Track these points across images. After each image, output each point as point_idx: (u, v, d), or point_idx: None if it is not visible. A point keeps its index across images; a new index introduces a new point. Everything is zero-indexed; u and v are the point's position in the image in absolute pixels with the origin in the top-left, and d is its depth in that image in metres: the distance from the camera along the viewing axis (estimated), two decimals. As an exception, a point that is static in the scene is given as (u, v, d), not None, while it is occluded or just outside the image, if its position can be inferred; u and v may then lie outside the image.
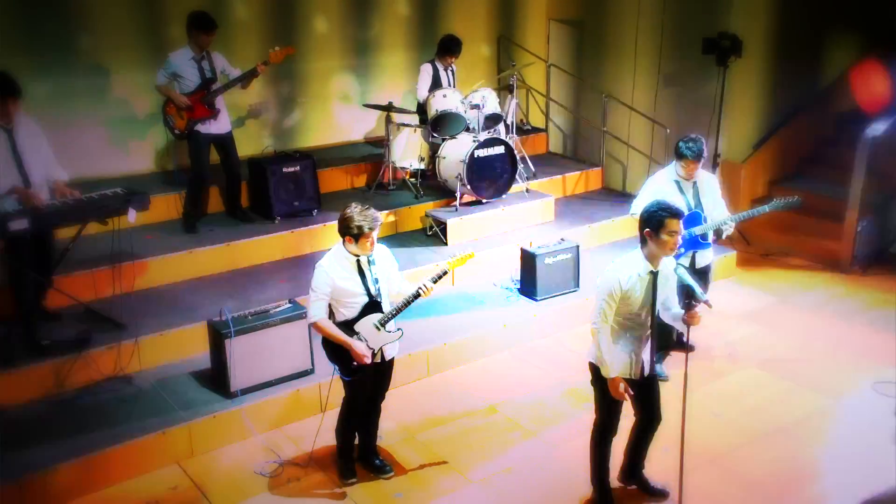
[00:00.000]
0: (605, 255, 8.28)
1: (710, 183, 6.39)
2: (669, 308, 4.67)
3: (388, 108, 8.34)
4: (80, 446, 5.19)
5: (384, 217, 7.87)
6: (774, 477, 5.32)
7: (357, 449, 5.38)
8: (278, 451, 5.54)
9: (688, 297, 4.48)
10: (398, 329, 5.07)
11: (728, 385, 6.44)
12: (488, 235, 8.17)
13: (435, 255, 7.62)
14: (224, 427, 5.61)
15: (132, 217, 6.09)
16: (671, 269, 4.63)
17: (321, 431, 5.44)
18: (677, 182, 6.23)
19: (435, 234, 8.04)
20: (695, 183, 6.27)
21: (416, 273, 7.25)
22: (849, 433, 5.81)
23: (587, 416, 5.83)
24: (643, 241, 4.55)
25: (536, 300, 7.24)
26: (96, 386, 5.86)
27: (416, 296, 4.92)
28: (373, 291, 4.94)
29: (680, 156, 6.12)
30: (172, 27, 8.09)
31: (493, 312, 7.10)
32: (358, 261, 4.89)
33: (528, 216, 8.45)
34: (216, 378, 5.84)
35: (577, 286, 7.46)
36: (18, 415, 5.54)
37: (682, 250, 6.21)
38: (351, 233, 4.77)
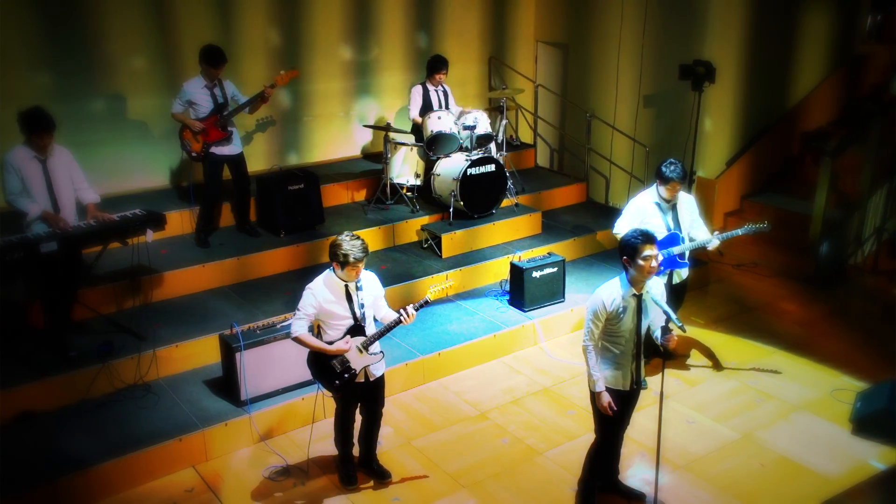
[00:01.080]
0: (588, 266, 8.47)
1: (688, 203, 6.50)
2: (654, 330, 4.80)
3: (387, 129, 8.44)
4: (105, 451, 5.33)
5: (369, 259, 7.97)
6: (743, 481, 5.47)
7: (358, 457, 5.50)
8: (285, 456, 5.67)
9: (665, 323, 4.61)
10: (380, 351, 5.16)
11: (701, 393, 6.58)
12: (480, 248, 8.28)
13: (430, 268, 7.74)
14: (235, 433, 5.74)
15: (150, 237, 6.23)
16: (657, 292, 4.76)
17: (313, 441, 5.63)
18: (658, 204, 6.33)
19: (430, 246, 8.16)
20: (674, 205, 6.38)
21: (411, 285, 7.41)
22: (809, 439, 5.96)
23: (569, 423, 6.04)
24: (624, 268, 4.69)
25: (525, 311, 7.37)
26: (118, 393, 5.99)
27: (398, 322, 4.98)
28: (358, 315, 5.03)
29: (665, 179, 6.18)
30: (185, 53, 8.16)
31: (484, 322, 7.23)
32: (346, 286, 4.98)
33: (517, 230, 8.57)
34: (227, 387, 5.97)
35: (563, 297, 7.60)
36: (51, 420, 5.68)
37: (662, 268, 6.33)
38: (338, 259, 4.86)
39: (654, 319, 4.81)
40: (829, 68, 10.41)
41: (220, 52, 7.20)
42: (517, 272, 7.37)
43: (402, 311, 4.98)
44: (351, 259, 4.82)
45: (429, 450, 5.78)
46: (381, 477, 5.46)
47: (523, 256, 7.68)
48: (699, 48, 8.85)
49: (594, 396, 4.84)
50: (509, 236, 8.51)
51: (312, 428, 5.69)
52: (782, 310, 8.08)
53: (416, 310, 5.00)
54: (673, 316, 4.51)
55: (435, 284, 5.15)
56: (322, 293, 4.96)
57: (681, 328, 4.52)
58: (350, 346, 5.00)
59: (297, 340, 5.00)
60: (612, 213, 9.42)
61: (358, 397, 5.23)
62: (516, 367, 6.95)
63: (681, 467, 5.60)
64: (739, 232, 6.49)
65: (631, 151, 9.62)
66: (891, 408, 5.90)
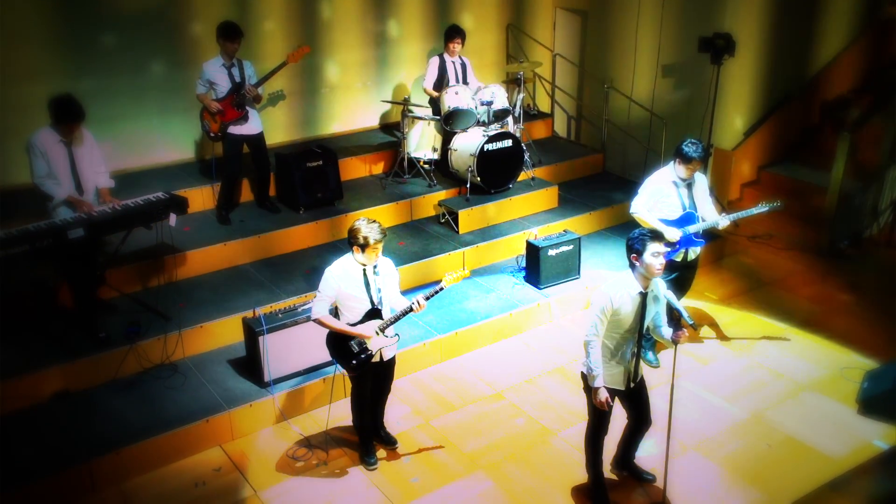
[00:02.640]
0: (604, 241, 8.57)
1: (702, 183, 6.53)
2: (659, 326, 4.92)
3: (405, 104, 8.49)
4: (137, 432, 5.58)
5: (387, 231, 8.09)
6: (751, 462, 5.64)
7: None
8: (307, 435, 5.90)
9: (676, 319, 4.71)
10: (396, 334, 5.36)
11: (713, 372, 6.71)
12: (496, 224, 8.38)
13: (447, 245, 7.87)
14: (259, 414, 5.97)
15: (173, 221, 6.39)
16: (661, 291, 4.87)
17: (333, 420, 5.91)
18: (675, 183, 6.36)
19: (447, 222, 8.27)
20: (690, 184, 6.43)
21: (429, 263, 7.55)
22: (816, 419, 6.10)
23: (582, 402, 6.14)
24: (632, 265, 4.78)
25: (540, 288, 7.50)
26: (146, 373, 6.21)
27: (409, 310, 5.17)
28: (375, 299, 5.23)
29: (688, 158, 6.17)
30: (204, 26, 8.22)
31: (500, 300, 7.37)
32: (364, 270, 5.16)
33: (533, 204, 8.65)
34: (251, 368, 6.18)
35: (579, 274, 7.71)
36: (84, 399, 5.92)
37: (678, 246, 6.40)
38: (358, 243, 5.05)
39: (657, 316, 4.92)
40: (853, 34, 10.28)
41: (236, 27, 7.26)
42: (533, 250, 7.48)
43: (414, 300, 5.16)
44: (371, 241, 5.01)
45: (446, 430, 5.99)
46: (387, 443, 5.78)
47: (539, 234, 7.77)
48: (719, 20, 8.77)
49: (587, 387, 4.98)
50: (526, 211, 8.60)
51: (329, 408, 5.94)
52: (796, 285, 8.15)
53: (428, 298, 5.18)
54: (685, 314, 4.63)
55: (450, 273, 5.26)
56: (341, 277, 5.15)
57: (692, 326, 4.64)
58: (370, 332, 5.19)
59: (319, 322, 5.21)
60: (627, 186, 9.48)
61: (372, 376, 5.45)
62: (532, 345, 7.11)
63: (690, 448, 5.77)
64: (752, 212, 6.53)
65: (648, 123, 9.60)
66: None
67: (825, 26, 9.94)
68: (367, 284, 5.20)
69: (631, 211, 6.44)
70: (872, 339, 7.06)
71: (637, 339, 4.82)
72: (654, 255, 4.65)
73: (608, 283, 4.88)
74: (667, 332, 4.84)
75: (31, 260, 5.78)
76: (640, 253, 4.68)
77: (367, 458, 5.64)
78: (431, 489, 5.40)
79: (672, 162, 6.35)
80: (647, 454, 5.56)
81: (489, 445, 5.82)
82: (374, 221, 5.10)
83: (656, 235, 4.71)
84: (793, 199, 9.46)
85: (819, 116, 10.25)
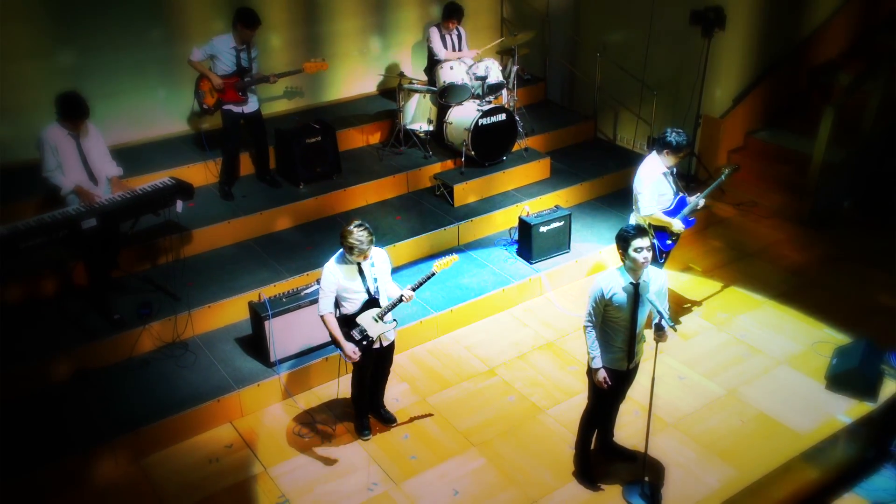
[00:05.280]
0: (593, 212, 8.82)
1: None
2: (655, 317, 5.21)
3: (400, 77, 8.61)
4: (152, 411, 5.95)
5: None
6: (724, 438, 6.05)
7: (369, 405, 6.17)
8: (311, 412, 6.28)
9: (658, 323, 5.01)
10: (393, 320, 5.70)
11: (693, 347, 7.07)
12: (490, 196, 8.63)
13: (443, 220, 8.13)
14: (267, 392, 6.34)
15: (180, 208, 6.61)
16: (660, 282, 5.17)
17: (336, 395, 6.36)
18: (664, 174, 6.58)
19: (442, 194, 8.50)
20: (672, 170, 6.66)
21: (423, 238, 7.85)
22: (787, 394, 6.49)
23: (570, 379, 6.59)
24: (621, 258, 5.09)
25: (532, 263, 7.80)
26: (159, 352, 6.55)
27: (400, 300, 5.53)
28: (371, 290, 5.55)
29: (678, 148, 6.38)
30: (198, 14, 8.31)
31: (493, 275, 7.67)
32: (359, 264, 5.47)
33: (526, 176, 8.88)
34: (257, 348, 6.51)
35: (569, 248, 8.01)
36: (103, 378, 6.27)
37: (684, 226, 6.69)
38: (346, 248, 5.36)
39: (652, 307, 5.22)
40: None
41: (255, 15, 7.36)
42: (525, 227, 7.75)
43: (404, 292, 5.53)
44: (355, 252, 5.32)
45: (442, 407, 6.37)
46: (386, 421, 6.18)
47: (531, 211, 8.01)
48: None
49: (589, 370, 5.35)
50: (519, 182, 8.84)
51: (339, 382, 6.32)
52: (777, 255, 8.44)
53: (416, 288, 5.54)
54: (665, 316, 4.93)
55: (440, 260, 5.52)
56: (338, 272, 5.47)
57: (672, 327, 4.95)
58: (357, 355, 5.56)
59: (322, 319, 5.56)
60: (619, 153, 9.75)
61: (372, 359, 5.80)
62: (523, 320, 7.45)
63: (669, 425, 6.17)
64: (716, 183, 6.80)
65: (640, 92, 9.73)
66: (861, 368, 6.41)
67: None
68: (364, 277, 5.50)
69: (643, 214, 6.58)
70: (845, 313, 7.42)
71: (632, 326, 5.14)
72: (637, 250, 4.95)
73: (602, 274, 5.23)
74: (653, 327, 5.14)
75: (47, 247, 6.03)
76: (625, 250, 4.99)
77: (362, 432, 6.06)
78: (428, 466, 5.80)
79: (655, 152, 6.54)
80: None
81: (482, 423, 6.21)
82: (364, 229, 5.34)
83: (639, 231, 4.99)
84: (778, 166, 9.74)
85: (806, 82, 10.37)
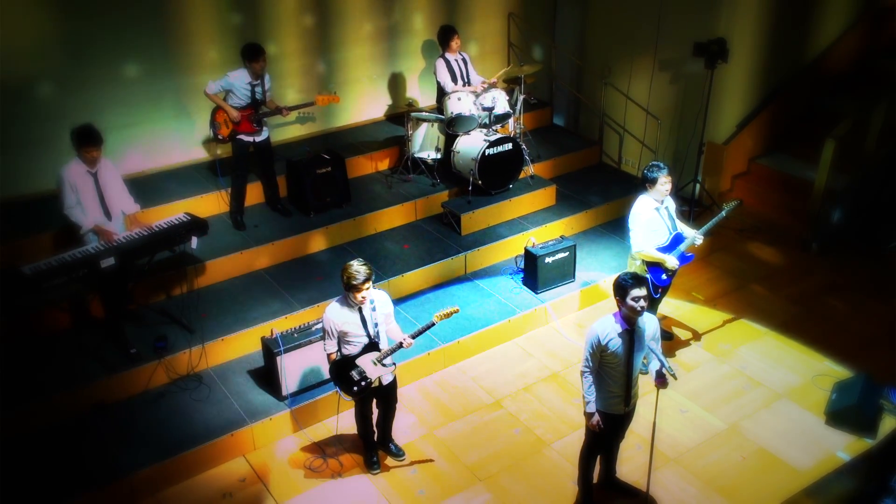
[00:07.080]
0: (598, 238, 8.94)
1: (671, 202, 6.86)
2: (648, 362, 5.35)
3: (409, 108, 8.77)
4: (169, 446, 6.09)
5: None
6: (725, 474, 6.16)
7: (376, 439, 6.29)
8: (323, 446, 6.43)
9: (659, 370, 5.13)
10: (392, 363, 5.84)
11: (695, 379, 7.18)
12: (496, 224, 8.75)
13: (450, 248, 8.26)
14: (278, 425, 6.49)
15: (195, 244, 6.76)
16: (650, 332, 5.29)
17: (345, 429, 6.49)
18: (657, 209, 6.71)
19: (450, 223, 8.62)
20: (666, 206, 6.77)
21: (431, 268, 7.98)
22: (787, 429, 6.60)
23: (574, 412, 6.71)
24: (617, 305, 5.20)
25: (537, 293, 7.92)
26: (174, 384, 6.70)
27: (399, 346, 5.68)
28: (372, 334, 5.68)
29: (652, 180, 6.52)
30: (211, 31, 8.49)
31: (499, 305, 7.80)
32: (360, 308, 5.58)
33: (532, 203, 9.00)
34: (269, 382, 6.66)
35: (574, 278, 8.13)
36: (120, 412, 6.43)
37: (679, 264, 6.77)
38: (344, 283, 5.48)
39: (647, 354, 5.35)
40: (847, 23, 10.41)
41: (257, 46, 7.53)
42: (531, 258, 7.88)
43: (403, 339, 5.68)
44: (353, 283, 5.42)
45: (449, 440, 6.50)
46: (396, 455, 6.31)
47: (537, 241, 8.13)
48: (714, 22, 8.93)
49: (586, 414, 5.46)
50: (525, 210, 8.95)
51: (338, 419, 6.51)
52: (778, 283, 8.53)
53: (414, 337, 5.69)
54: (666, 364, 5.06)
55: (440, 315, 5.63)
56: (338, 316, 5.61)
57: (672, 375, 5.07)
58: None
59: (328, 359, 5.77)
60: (624, 179, 9.84)
61: (373, 396, 5.97)
62: (528, 350, 7.57)
63: (672, 460, 6.29)
64: (716, 219, 6.92)
65: (644, 119, 9.84)
66: (859, 405, 6.51)
67: (819, 15, 10.09)
68: (364, 321, 5.64)
69: (634, 251, 6.71)
70: (845, 344, 7.52)
71: (628, 371, 5.26)
72: (634, 299, 5.06)
73: (598, 321, 5.32)
74: (652, 370, 5.24)
75: (67, 286, 6.19)
76: (622, 297, 5.11)
77: (371, 466, 6.21)
78: (435, 502, 5.94)
79: (643, 191, 6.68)
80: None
81: (488, 457, 6.34)
82: (364, 265, 5.47)
83: (637, 281, 5.10)
84: (781, 191, 9.83)
85: (809, 108, 10.45)
